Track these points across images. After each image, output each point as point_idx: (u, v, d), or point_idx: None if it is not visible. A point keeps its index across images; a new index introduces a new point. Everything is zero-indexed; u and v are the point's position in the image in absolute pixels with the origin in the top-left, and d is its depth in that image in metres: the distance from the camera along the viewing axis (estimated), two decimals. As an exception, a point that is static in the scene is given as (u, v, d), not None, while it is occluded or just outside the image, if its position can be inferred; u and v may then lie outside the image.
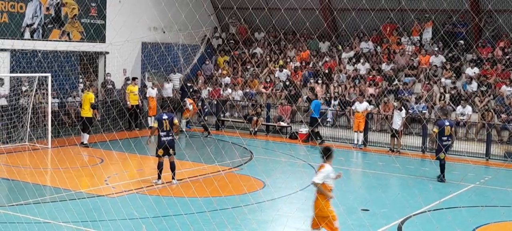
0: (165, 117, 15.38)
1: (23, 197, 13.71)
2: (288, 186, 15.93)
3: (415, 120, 23.70)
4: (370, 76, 26.33)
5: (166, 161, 15.58)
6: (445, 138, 16.99)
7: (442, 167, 17.27)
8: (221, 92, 27.72)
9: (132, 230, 11.32)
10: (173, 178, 15.67)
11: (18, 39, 23.00)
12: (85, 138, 20.92)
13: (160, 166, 15.56)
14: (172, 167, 15.61)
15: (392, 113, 22.49)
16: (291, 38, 30.55)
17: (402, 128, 22.04)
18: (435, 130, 17.09)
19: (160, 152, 15.38)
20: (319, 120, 23.52)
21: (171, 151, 15.39)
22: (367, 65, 27.08)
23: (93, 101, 21.11)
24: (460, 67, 25.66)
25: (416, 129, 23.37)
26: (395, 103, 22.89)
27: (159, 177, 15.64)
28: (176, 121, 15.64)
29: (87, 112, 20.98)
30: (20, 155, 19.04)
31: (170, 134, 15.38)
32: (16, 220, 11.93)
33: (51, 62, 23.45)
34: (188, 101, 24.87)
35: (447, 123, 17.13)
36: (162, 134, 15.32)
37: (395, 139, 21.97)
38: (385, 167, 19.40)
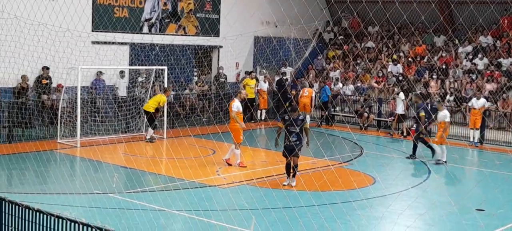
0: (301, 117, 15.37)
1: (140, 184, 14.31)
2: (399, 183, 15.63)
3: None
4: (488, 72, 25.29)
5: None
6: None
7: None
8: (332, 86, 27.57)
9: (242, 221, 11.50)
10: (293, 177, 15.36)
11: (137, 33, 23.98)
12: (149, 132, 20.60)
13: (288, 167, 15.02)
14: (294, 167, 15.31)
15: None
16: (405, 32, 29.90)
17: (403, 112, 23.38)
18: (422, 114, 18.75)
19: None
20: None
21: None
22: (485, 60, 26.03)
23: (162, 105, 20.64)
24: None
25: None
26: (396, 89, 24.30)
27: (288, 176, 15.08)
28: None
29: (150, 107, 20.47)
30: (138, 145, 19.84)
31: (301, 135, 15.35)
32: (133, 207, 12.45)
33: (167, 55, 24.27)
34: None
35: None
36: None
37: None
38: (503, 166, 18.60)
